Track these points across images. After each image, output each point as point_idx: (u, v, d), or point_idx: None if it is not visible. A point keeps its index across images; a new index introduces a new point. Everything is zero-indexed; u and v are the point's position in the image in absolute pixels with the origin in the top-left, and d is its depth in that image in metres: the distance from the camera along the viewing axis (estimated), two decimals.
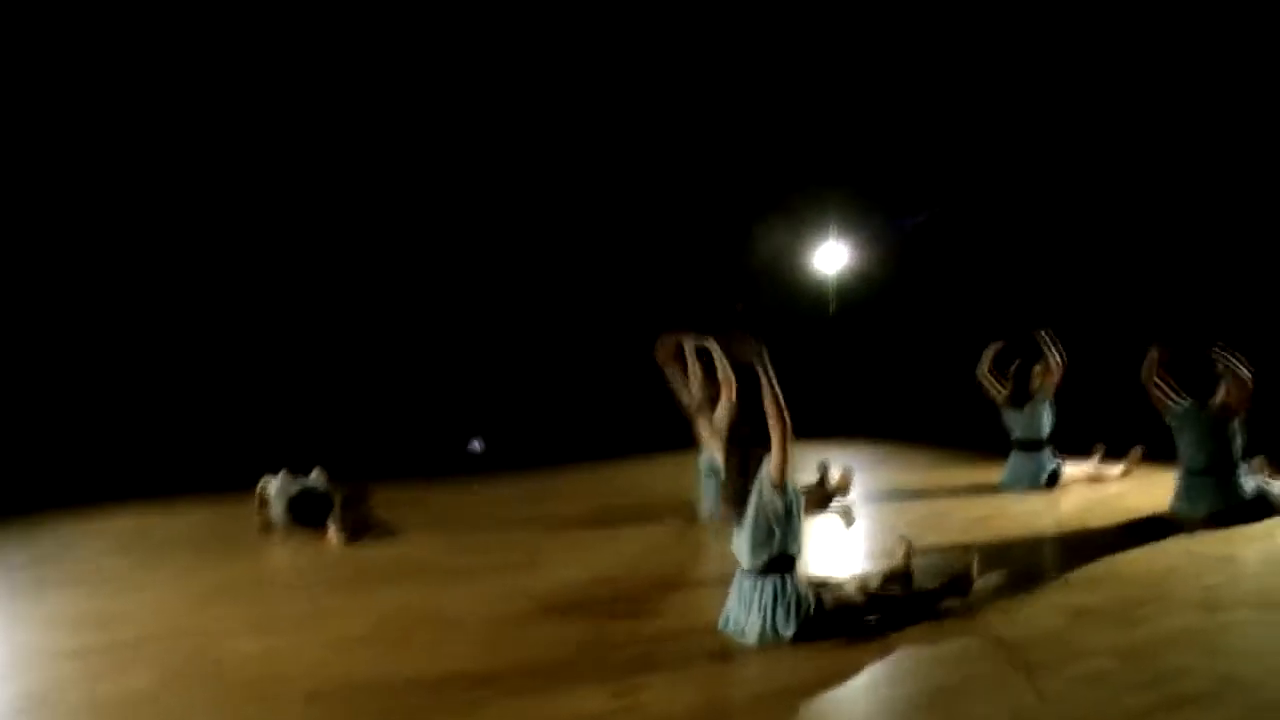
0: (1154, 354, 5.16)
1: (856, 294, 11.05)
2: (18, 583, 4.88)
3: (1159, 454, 6.02)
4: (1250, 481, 4.93)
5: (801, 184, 10.47)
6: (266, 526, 5.90)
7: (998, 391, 6.43)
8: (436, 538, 5.58)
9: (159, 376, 8.74)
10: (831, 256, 10.97)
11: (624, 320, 10.05)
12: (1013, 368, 6.48)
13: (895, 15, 9.14)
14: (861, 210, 10.58)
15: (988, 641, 3.25)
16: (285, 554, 5.51)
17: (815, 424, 7.01)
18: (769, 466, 3.36)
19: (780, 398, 3.35)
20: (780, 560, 3.37)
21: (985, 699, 2.77)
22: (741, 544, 3.44)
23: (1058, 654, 3.10)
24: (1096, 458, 6.41)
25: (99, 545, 5.83)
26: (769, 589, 3.36)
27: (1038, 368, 6.33)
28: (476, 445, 9.23)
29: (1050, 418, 6.31)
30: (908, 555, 3.75)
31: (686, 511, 5.88)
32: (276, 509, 5.90)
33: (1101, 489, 6.13)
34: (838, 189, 10.52)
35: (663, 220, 10.38)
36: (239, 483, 7.17)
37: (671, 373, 5.25)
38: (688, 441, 5.76)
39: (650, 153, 10.09)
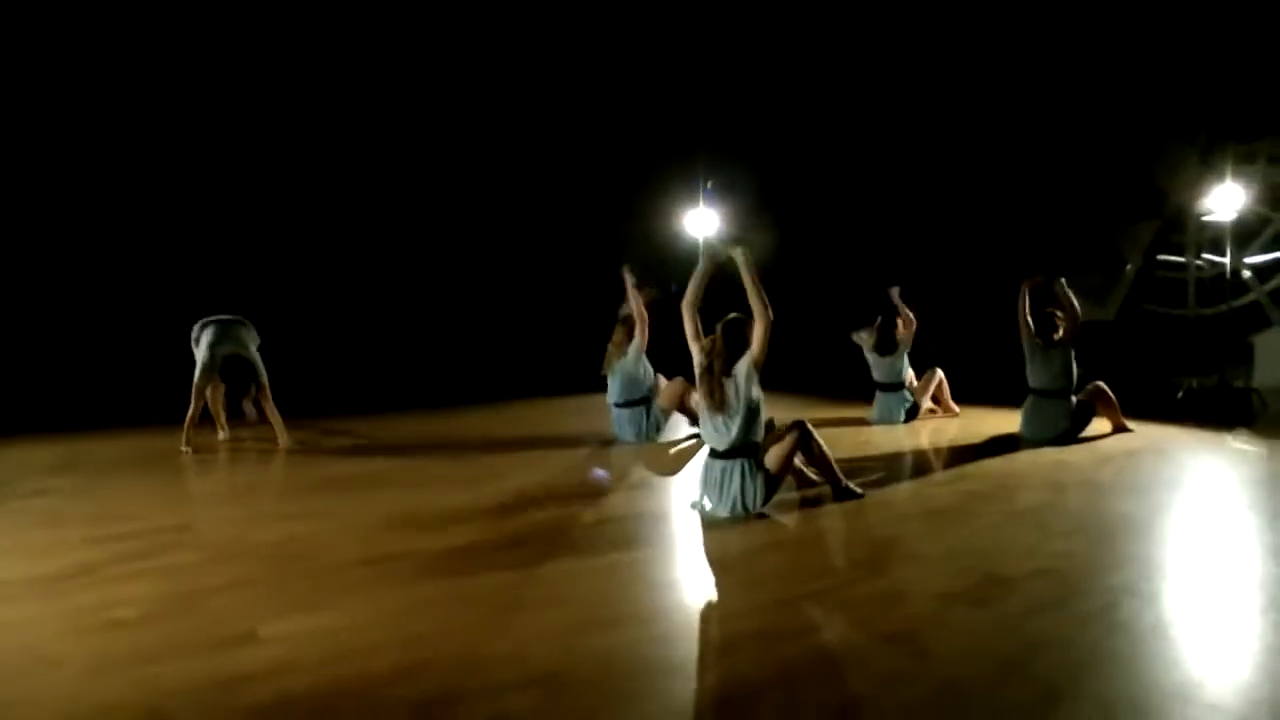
0: (1025, 288, 6.33)
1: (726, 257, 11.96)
2: None
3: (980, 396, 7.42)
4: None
5: (672, 149, 11.24)
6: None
7: (866, 341, 7.52)
8: (394, 458, 5.97)
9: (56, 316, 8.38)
10: (702, 220, 11.82)
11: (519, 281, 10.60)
12: (878, 322, 7.56)
13: None
14: (731, 174, 11.48)
15: (908, 508, 4.20)
16: (256, 469, 5.77)
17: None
18: (750, 355, 4.07)
19: (764, 294, 4.06)
20: (748, 446, 4.13)
21: (920, 538, 3.68)
22: (716, 430, 4.15)
23: (959, 515, 4.09)
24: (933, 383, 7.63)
25: (45, 467, 5.77)
26: (737, 471, 4.11)
27: (900, 321, 7.46)
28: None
29: (907, 364, 7.47)
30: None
31: (601, 436, 6.68)
32: (205, 357, 6.35)
33: (949, 420, 7.37)
34: (707, 153, 11.39)
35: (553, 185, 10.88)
36: (155, 417, 7.26)
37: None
38: (584, 387, 6.54)
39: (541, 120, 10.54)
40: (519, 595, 3.08)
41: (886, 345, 7.41)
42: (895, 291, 7.47)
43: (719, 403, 4.13)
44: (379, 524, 4.13)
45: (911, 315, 7.37)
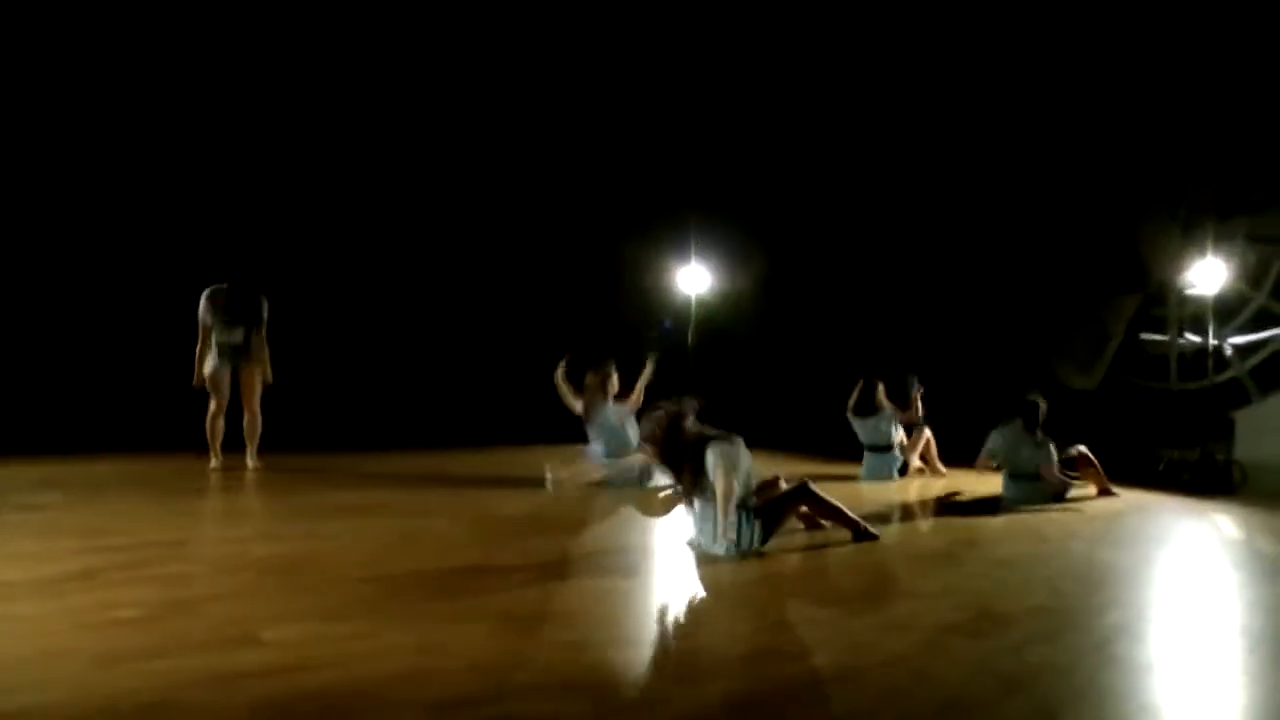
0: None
1: (717, 313, 12.14)
2: None
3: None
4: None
5: (664, 206, 11.51)
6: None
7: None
8: (392, 490, 5.96)
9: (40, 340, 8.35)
10: (693, 277, 12.04)
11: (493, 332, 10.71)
12: (859, 385, 7.63)
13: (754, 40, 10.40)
14: (721, 232, 11.74)
15: (900, 552, 4.26)
16: (251, 494, 5.75)
17: None
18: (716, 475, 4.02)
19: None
20: (742, 502, 4.14)
21: (913, 578, 3.74)
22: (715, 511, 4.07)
23: (950, 560, 4.15)
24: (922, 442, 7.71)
25: (31, 484, 5.69)
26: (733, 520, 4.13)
27: (882, 386, 7.52)
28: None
29: (895, 426, 7.55)
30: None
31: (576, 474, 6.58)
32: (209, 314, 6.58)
33: (936, 480, 7.45)
34: (699, 210, 11.67)
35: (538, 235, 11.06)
36: (139, 443, 7.24)
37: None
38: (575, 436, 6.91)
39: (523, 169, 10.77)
40: (521, 614, 3.10)
41: (865, 408, 7.46)
42: (915, 382, 7.54)
43: (695, 492, 4.18)
44: (379, 547, 4.14)
45: (920, 411, 7.49)
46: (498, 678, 2.46)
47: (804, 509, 4.50)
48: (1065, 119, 9.56)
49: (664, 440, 4.20)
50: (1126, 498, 6.50)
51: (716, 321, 11.98)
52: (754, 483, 4.26)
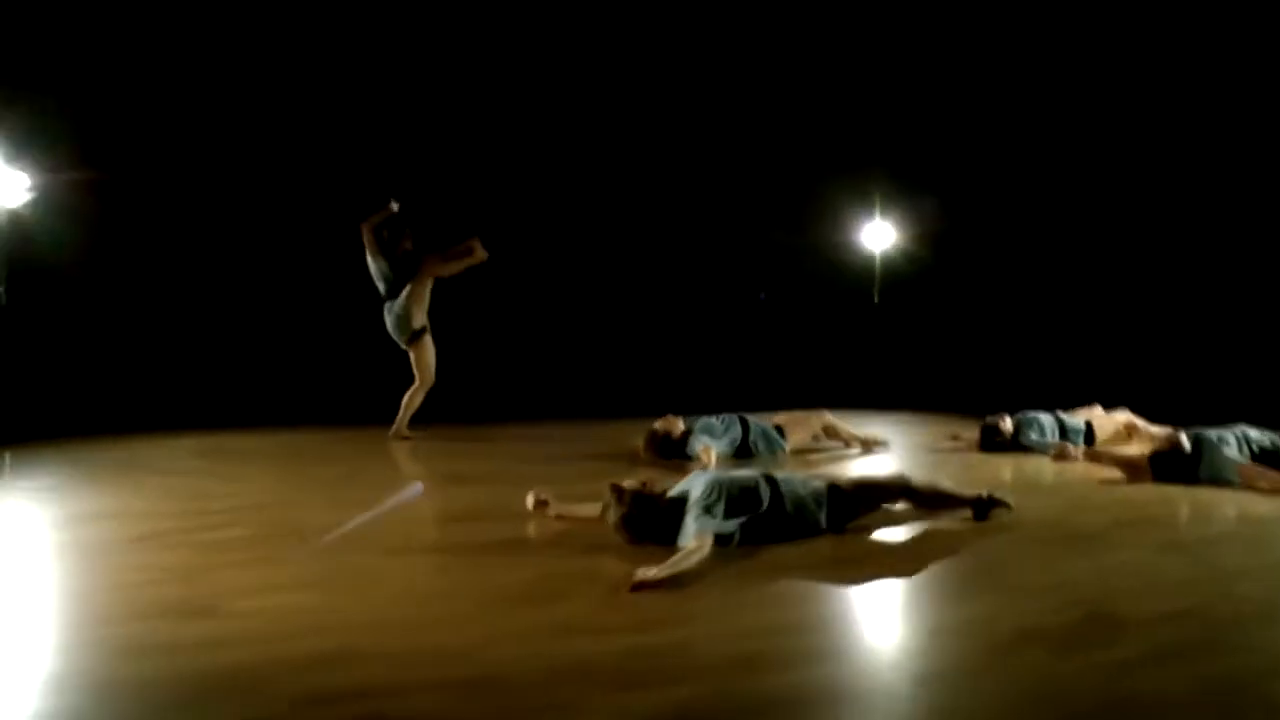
0: None
1: (901, 271, 11.09)
2: (95, 474, 5.12)
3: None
4: None
5: (847, 163, 10.57)
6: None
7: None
8: (510, 461, 5.74)
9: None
10: (877, 235, 11.08)
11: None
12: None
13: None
14: (905, 189, 10.65)
15: (1037, 533, 3.44)
16: (364, 466, 5.74)
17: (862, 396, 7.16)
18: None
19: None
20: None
21: (1029, 566, 2.96)
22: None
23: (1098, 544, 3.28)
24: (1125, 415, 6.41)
25: (188, 451, 5.98)
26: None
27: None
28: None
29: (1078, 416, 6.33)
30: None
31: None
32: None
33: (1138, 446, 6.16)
34: (882, 167, 10.64)
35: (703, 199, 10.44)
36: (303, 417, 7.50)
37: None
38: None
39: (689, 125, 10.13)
40: (523, 591, 2.73)
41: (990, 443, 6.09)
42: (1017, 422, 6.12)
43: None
44: (434, 517, 3.95)
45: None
46: (418, 668, 2.10)
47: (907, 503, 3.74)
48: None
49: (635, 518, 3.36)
50: None
51: (903, 278, 10.98)
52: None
